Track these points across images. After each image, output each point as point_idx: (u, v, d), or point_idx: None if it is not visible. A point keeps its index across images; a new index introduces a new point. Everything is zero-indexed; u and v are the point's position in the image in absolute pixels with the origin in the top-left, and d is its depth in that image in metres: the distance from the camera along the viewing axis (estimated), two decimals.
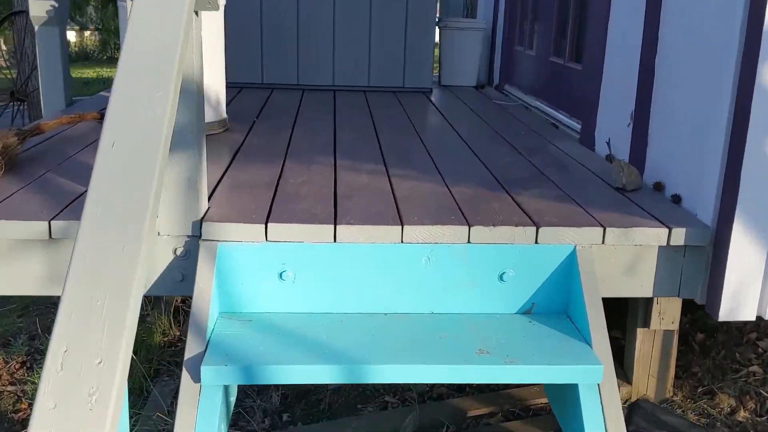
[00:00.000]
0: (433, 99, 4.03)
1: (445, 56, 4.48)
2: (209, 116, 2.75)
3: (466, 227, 1.75)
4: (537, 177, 2.30)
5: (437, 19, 4.34)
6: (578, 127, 2.95)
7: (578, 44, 3.19)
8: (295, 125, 3.11)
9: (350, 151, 2.62)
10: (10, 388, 2.31)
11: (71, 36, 16.10)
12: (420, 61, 4.16)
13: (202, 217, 1.72)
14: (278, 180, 2.16)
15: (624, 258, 1.83)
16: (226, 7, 3.99)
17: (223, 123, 2.85)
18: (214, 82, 2.76)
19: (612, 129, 2.56)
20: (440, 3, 5.41)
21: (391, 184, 2.16)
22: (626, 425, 1.60)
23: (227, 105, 3.40)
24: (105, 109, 1.32)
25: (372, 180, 2.20)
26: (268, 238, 1.70)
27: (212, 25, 2.71)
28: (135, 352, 2.23)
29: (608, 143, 2.55)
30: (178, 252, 1.72)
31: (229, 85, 4.07)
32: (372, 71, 4.16)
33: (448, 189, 2.12)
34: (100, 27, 15.25)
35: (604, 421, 1.56)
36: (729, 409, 2.12)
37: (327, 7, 4.02)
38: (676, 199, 2.04)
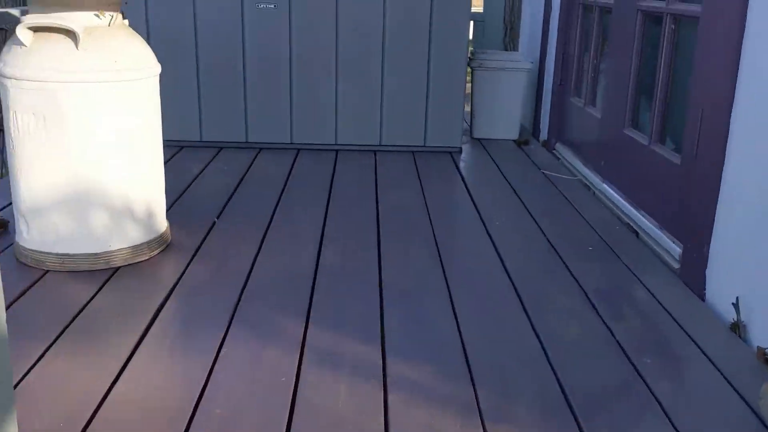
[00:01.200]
0: (461, 165, 3.13)
1: (478, 102, 3.56)
2: (133, 238, 1.89)
3: None
4: (628, 386, 1.40)
5: (469, 56, 3.42)
6: (675, 248, 2.02)
7: (673, 123, 2.25)
8: (269, 228, 2.24)
9: (334, 299, 1.74)
10: None
11: None
12: (446, 114, 3.24)
13: None
14: (196, 404, 1.28)
15: None
16: (196, 42, 3.19)
17: (158, 241, 1.98)
18: (142, 190, 1.90)
19: (741, 275, 1.64)
20: (473, 33, 4.48)
21: (386, 409, 1.27)
22: None
23: (183, 193, 2.55)
24: None
25: (354, 394, 1.31)
26: None
27: (136, 100, 1.85)
28: None
29: (736, 306, 1.63)
30: None
31: (204, 146, 3.26)
32: (385, 126, 3.27)
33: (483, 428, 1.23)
34: None
35: None
36: None
37: (327, 40, 3.12)
38: None
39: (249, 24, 3.09)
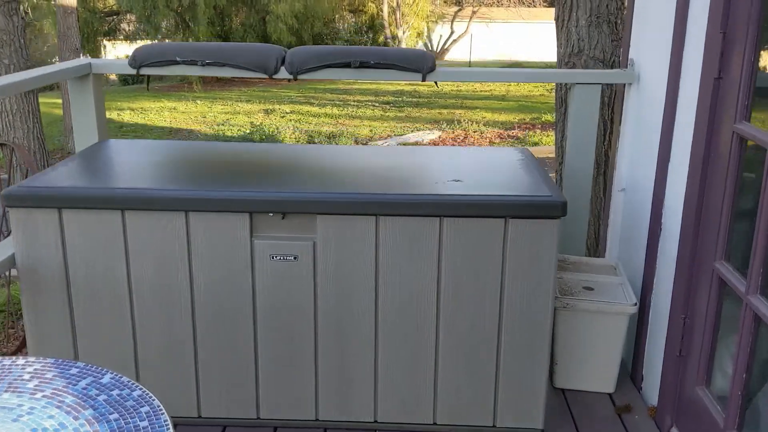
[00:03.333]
0: None
1: (562, 346, 2.72)
2: None
3: None
4: None
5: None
6: None
7: None
8: None
9: None
10: None
11: None
12: (524, 387, 2.41)
13: None
14: None
15: None
16: (192, 298, 2.33)
17: None
18: None
19: None
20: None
21: None
22: None
23: None
24: None
25: None
26: None
27: None
28: None
29: None
30: None
31: (204, 424, 2.56)
32: (440, 399, 2.44)
33: None
34: None
35: None
36: None
37: (364, 290, 2.35)
38: None
39: (261, 277, 2.35)
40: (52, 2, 12.44)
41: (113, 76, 30.81)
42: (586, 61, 4.41)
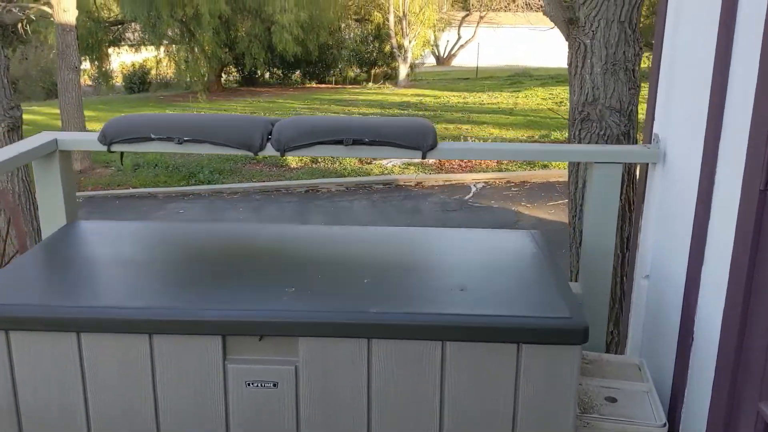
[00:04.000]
0: None
1: None
2: None
3: None
4: None
5: None
6: None
7: None
8: None
9: None
10: None
11: None
12: None
13: None
14: None
15: None
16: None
17: None
18: None
19: None
20: None
21: None
22: None
23: None
24: None
25: None
26: None
27: None
28: None
29: None
30: None
31: None
32: None
33: None
34: None
35: None
36: None
37: (355, 423, 2.04)
38: None
39: (235, 406, 2.05)
40: (51, 18, 12.22)
41: (119, 82, 30.67)
42: (602, 111, 4.11)
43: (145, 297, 2.14)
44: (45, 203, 2.76)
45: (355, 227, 2.79)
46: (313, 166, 11.86)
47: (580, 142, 4.15)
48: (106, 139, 2.66)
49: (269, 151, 2.66)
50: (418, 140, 2.61)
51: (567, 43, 4.13)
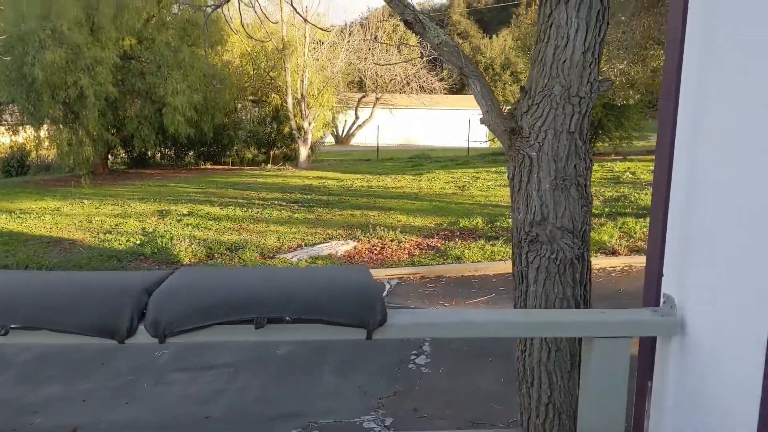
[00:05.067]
0: None
1: None
2: None
3: None
4: None
5: None
6: None
7: None
8: None
9: None
10: None
11: None
12: None
13: None
14: None
15: None
16: None
17: None
18: None
19: None
20: None
21: None
22: None
23: None
24: None
25: None
26: None
27: None
28: None
29: None
30: None
31: None
32: None
33: None
34: None
35: None
36: None
37: None
38: None
39: None
40: None
41: None
42: (552, 232, 3.54)
43: None
44: None
45: None
46: (209, 262, 10.84)
47: (527, 267, 3.56)
48: None
49: (142, 337, 1.83)
50: (363, 314, 1.87)
51: (509, 155, 3.59)
